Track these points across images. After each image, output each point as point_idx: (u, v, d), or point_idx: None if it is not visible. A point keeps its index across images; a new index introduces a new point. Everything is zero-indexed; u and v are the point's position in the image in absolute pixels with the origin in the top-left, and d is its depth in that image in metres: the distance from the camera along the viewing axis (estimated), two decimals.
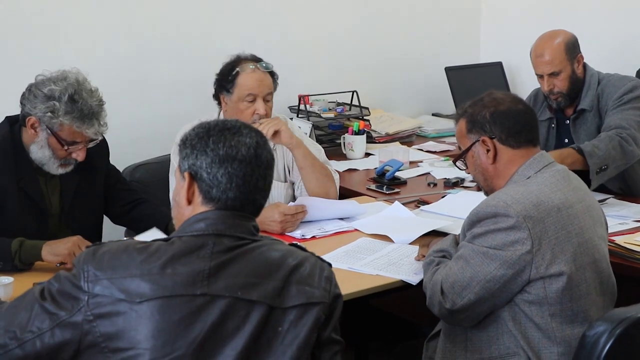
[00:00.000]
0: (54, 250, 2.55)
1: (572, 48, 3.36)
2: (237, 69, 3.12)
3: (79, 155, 2.73)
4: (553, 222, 2.19)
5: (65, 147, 2.69)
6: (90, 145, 2.75)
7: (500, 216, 2.18)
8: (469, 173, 2.48)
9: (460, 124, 2.41)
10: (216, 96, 3.20)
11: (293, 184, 3.32)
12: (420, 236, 2.84)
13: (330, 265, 1.85)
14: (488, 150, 2.34)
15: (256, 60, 3.16)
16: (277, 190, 3.27)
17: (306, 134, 3.82)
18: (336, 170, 3.38)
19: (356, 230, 3.01)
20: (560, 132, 3.48)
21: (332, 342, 1.78)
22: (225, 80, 3.13)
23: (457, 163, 2.48)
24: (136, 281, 1.65)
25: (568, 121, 3.45)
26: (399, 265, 2.66)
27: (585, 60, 3.42)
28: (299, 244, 1.89)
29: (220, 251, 1.70)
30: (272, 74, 3.17)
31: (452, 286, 2.22)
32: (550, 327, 2.19)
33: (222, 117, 3.20)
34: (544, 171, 2.30)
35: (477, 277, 2.19)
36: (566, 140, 3.45)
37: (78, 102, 2.65)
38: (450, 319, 2.27)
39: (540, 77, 3.40)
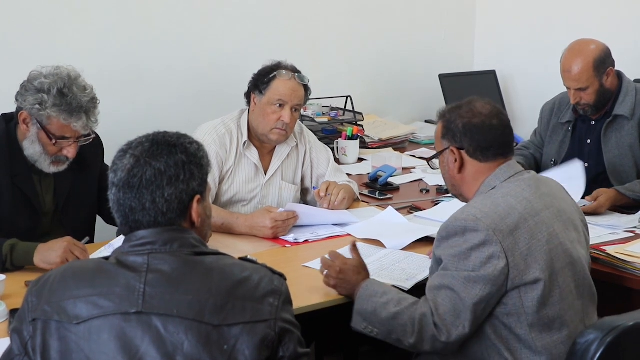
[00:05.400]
0: (46, 259, 2.53)
1: (600, 64, 3.33)
2: (275, 73, 3.18)
3: (70, 151, 2.71)
4: (522, 233, 2.19)
5: (54, 142, 2.68)
6: (82, 142, 2.74)
7: (469, 231, 2.18)
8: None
9: (438, 126, 2.42)
10: (248, 94, 3.27)
11: (304, 189, 3.41)
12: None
13: (283, 277, 1.78)
14: (456, 160, 2.34)
15: (295, 70, 3.23)
16: (287, 192, 3.34)
17: None
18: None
19: (349, 235, 3.01)
20: (581, 131, 3.49)
21: (301, 357, 1.73)
22: (261, 81, 3.19)
23: (430, 163, 2.52)
24: (73, 303, 1.65)
25: (594, 122, 3.46)
26: (391, 270, 2.66)
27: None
28: (249, 257, 1.82)
29: (155, 268, 1.67)
30: (306, 88, 3.24)
31: (443, 318, 2.17)
32: (530, 337, 2.19)
33: (245, 115, 3.27)
34: (510, 180, 2.30)
35: (466, 303, 2.16)
36: (588, 141, 3.48)
37: (67, 95, 2.64)
38: (445, 350, 2.21)
39: (567, 88, 3.40)
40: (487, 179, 2.32)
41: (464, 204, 3.02)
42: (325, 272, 2.46)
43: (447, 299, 2.18)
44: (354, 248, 2.50)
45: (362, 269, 2.45)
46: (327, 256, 2.49)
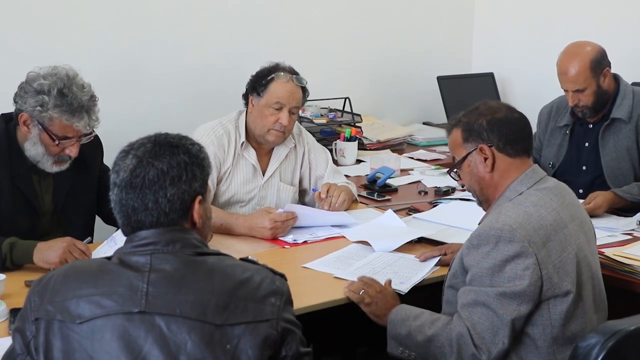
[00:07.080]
0: (46, 258, 2.54)
1: (597, 65, 3.34)
2: (273, 75, 3.18)
3: (72, 151, 2.72)
4: (554, 245, 2.18)
5: (57, 142, 2.68)
6: (83, 141, 2.75)
7: (504, 242, 2.14)
8: (462, 185, 2.44)
9: (455, 134, 2.37)
10: (245, 96, 3.27)
11: (303, 191, 3.42)
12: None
13: (284, 277, 1.80)
14: (486, 159, 2.30)
15: (293, 72, 3.23)
16: (285, 193, 3.34)
17: None
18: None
19: (344, 237, 3.00)
20: (579, 135, 3.51)
21: (303, 356, 1.75)
22: (259, 83, 3.19)
23: (452, 174, 2.43)
24: (76, 302, 1.66)
25: (591, 125, 3.48)
26: (384, 274, 2.62)
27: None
28: (250, 257, 1.85)
29: (158, 268, 1.69)
30: (304, 90, 3.24)
31: (481, 336, 2.14)
32: (552, 349, 2.18)
33: (242, 117, 3.27)
34: (536, 188, 2.28)
35: (503, 320, 2.13)
36: (586, 144, 3.49)
37: (68, 95, 2.64)
38: None
39: (565, 90, 3.41)
40: (512, 183, 2.29)
41: (464, 206, 3.01)
42: (361, 292, 2.43)
43: (484, 316, 2.14)
44: (389, 284, 2.49)
45: (397, 298, 2.44)
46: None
